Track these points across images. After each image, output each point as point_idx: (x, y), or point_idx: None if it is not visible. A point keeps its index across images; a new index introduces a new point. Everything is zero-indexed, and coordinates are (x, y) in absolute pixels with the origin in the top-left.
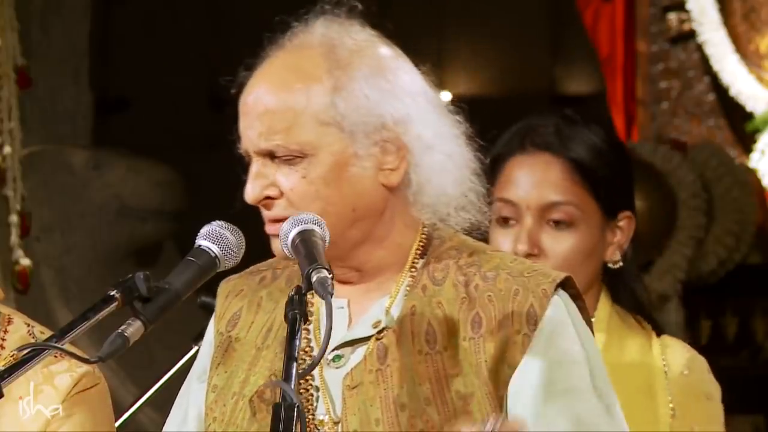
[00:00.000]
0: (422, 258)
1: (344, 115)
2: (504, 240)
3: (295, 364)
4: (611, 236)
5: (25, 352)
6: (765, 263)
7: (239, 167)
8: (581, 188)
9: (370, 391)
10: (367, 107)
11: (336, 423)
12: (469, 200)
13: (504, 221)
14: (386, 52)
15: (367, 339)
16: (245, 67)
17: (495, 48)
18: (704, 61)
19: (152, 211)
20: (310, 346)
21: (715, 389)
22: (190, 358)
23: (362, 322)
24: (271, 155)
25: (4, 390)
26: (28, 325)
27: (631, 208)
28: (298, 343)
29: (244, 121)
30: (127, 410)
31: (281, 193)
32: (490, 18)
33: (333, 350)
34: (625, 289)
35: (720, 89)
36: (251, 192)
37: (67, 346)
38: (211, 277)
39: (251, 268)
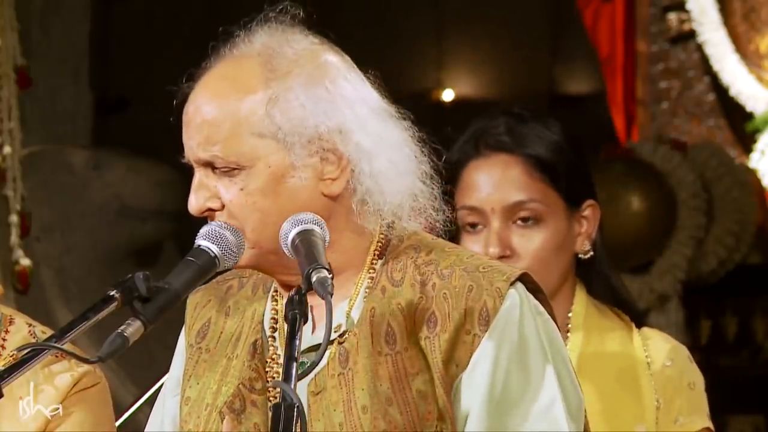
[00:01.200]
0: (380, 258)
1: (280, 126)
2: (474, 246)
3: (295, 364)
4: (578, 227)
5: (25, 352)
6: (765, 263)
7: None
8: (542, 183)
9: (333, 396)
10: (302, 117)
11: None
12: (420, 205)
13: (471, 227)
14: (328, 59)
15: (329, 343)
16: (188, 77)
17: (495, 48)
18: (704, 61)
19: (152, 211)
20: (277, 354)
21: (698, 378)
22: None
23: (322, 328)
24: (211, 166)
25: (4, 390)
26: (30, 325)
27: (593, 196)
28: (298, 343)
29: (185, 131)
30: (127, 410)
31: (222, 205)
32: (490, 18)
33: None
34: (599, 278)
35: (720, 89)
36: (194, 203)
37: (67, 346)
38: (210, 277)
39: (218, 277)
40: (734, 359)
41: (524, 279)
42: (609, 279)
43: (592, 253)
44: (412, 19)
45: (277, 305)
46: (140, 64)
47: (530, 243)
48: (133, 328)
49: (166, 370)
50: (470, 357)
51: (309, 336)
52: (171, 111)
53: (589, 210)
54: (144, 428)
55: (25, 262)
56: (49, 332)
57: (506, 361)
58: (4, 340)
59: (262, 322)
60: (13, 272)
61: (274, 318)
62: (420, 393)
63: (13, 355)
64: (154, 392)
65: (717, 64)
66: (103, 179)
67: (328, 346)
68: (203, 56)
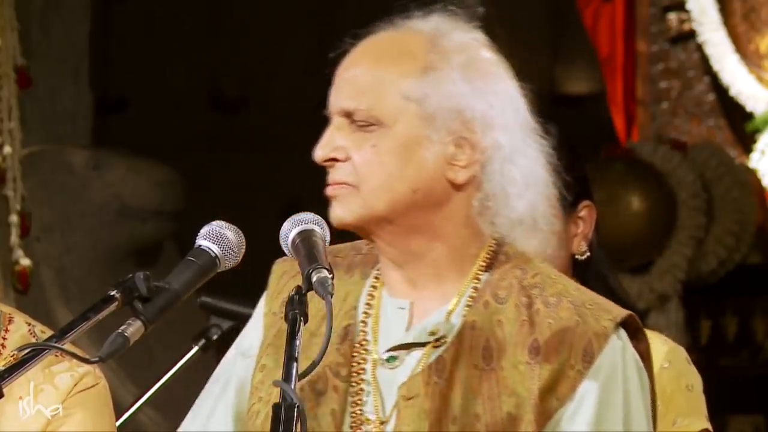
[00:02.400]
0: (486, 272)
1: (429, 95)
2: None
3: (295, 364)
4: (574, 228)
5: (26, 352)
6: (765, 263)
7: (239, 167)
8: None
9: (426, 404)
10: (452, 95)
11: (383, 423)
12: (538, 226)
13: None
14: (490, 56)
15: (423, 345)
16: (352, 36)
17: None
18: (704, 61)
19: (152, 211)
20: (366, 339)
21: (695, 379)
22: (190, 358)
23: (421, 327)
24: (349, 117)
25: (5, 390)
26: (29, 325)
27: (588, 197)
28: (298, 343)
29: (335, 82)
30: (127, 410)
31: (348, 158)
32: (490, 18)
33: (388, 350)
34: (596, 279)
35: (720, 89)
36: (320, 150)
37: (68, 346)
38: (211, 277)
39: None
40: (734, 359)
41: (629, 321)
42: (607, 279)
43: (589, 253)
44: (411, 19)
45: (375, 291)
46: (140, 64)
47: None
48: (133, 328)
49: (167, 370)
50: (572, 392)
51: (402, 332)
52: (171, 111)
53: (585, 211)
54: (144, 428)
55: (25, 262)
56: (49, 332)
57: (611, 411)
58: (4, 339)
59: (356, 308)
60: (13, 272)
61: (369, 303)
62: (510, 416)
63: (13, 355)
64: (154, 392)
65: (717, 64)
66: (103, 179)
67: (416, 348)
68: (203, 56)
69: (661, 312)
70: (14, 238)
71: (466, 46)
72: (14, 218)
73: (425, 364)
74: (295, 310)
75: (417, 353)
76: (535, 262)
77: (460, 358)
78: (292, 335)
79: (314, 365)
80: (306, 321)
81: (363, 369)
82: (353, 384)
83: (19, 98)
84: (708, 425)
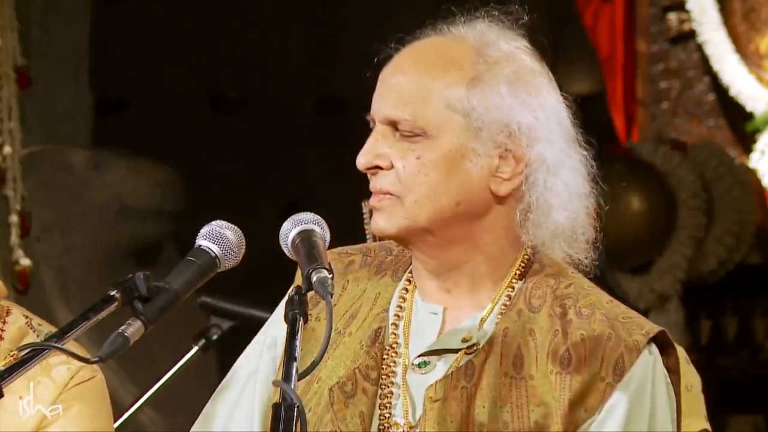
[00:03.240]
0: (521, 280)
1: (475, 107)
2: None
3: (295, 364)
4: None
5: (26, 351)
6: (765, 263)
7: (239, 167)
8: None
9: (452, 407)
10: (498, 107)
11: (411, 427)
12: (577, 238)
13: None
14: (535, 66)
15: (455, 350)
16: (396, 41)
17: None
18: (704, 61)
19: (152, 211)
20: (397, 342)
21: (694, 380)
22: (190, 358)
23: (453, 333)
24: (393, 126)
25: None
26: (26, 317)
27: None
28: (298, 343)
29: (379, 88)
30: (127, 410)
31: (391, 166)
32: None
33: (420, 356)
34: (595, 278)
35: (720, 89)
36: (363, 158)
37: (68, 346)
38: (211, 277)
39: (339, 249)
40: (734, 359)
41: (660, 337)
42: (605, 279)
43: None
44: (411, 19)
45: (406, 294)
46: (140, 64)
47: None
48: (133, 328)
49: (167, 370)
50: (600, 404)
51: (435, 338)
52: (171, 111)
53: None
54: (144, 428)
55: (25, 262)
56: (47, 325)
57: (638, 425)
58: (2, 330)
59: (387, 310)
60: (13, 272)
61: (400, 306)
62: (537, 425)
63: (13, 354)
64: (154, 392)
65: (717, 64)
66: (103, 179)
67: (448, 354)
68: (203, 56)
69: (661, 312)
70: (14, 238)
71: (513, 57)
72: (14, 218)
73: (455, 368)
74: (295, 310)
75: (449, 359)
76: (568, 272)
77: (491, 365)
78: (292, 335)
79: (314, 365)
80: (306, 321)
81: (393, 372)
82: (383, 387)
83: (19, 98)
84: (707, 425)
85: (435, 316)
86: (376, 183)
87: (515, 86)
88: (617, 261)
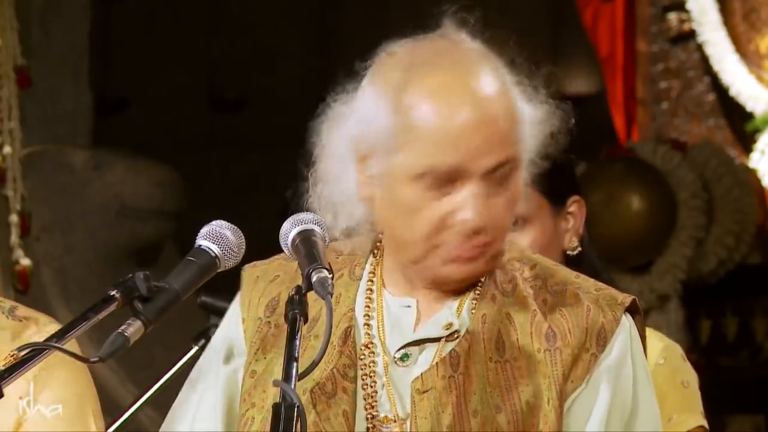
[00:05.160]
0: None
1: (520, 123)
2: None
3: (295, 364)
4: (564, 224)
5: (25, 352)
6: (765, 263)
7: (239, 167)
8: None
9: (442, 397)
10: (529, 122)
11: (401, 421)
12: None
13: None
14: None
15: (435, 340)
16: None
17: (495, 48)
18: (704, 61)
19: (152, 211)
20: (372, 342)
21: (691, 376)
22: (190, 358)
23: (431, 323)
24: (492, 172)
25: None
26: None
27: (577, 192)
28: (298, 343)
29: (464, 138)
30: (127, 410)
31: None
32: (489, 18)
33: (399, 349)
34: (589, 275)
35: (720, 89)
36: (481, 218)
37: (68, 345)
38: (211, 277)
39: (283, 255)
40: (734, 359)
41: (632, 306)
42: (599, 276)
43: (580, 248)
44: (411, 19)
45: (372, 293)
46: (140, 64)
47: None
48: (133, 328)
49: (167, 370)
50: (586, 375)
51: (411, 330)
52: (171, 111)
53: (574, 206)
54: (144, 428)
55: (25, 262)
56: (22, 308)
57: (623, 394)
58: None
59: (353, 309)
60: (13, 272)
61: (368, 305)
62: (528, 405)
63: (13, 354)
64: (154, 392)
65: (717, 64)
66: (103, 179)
67: (429, 344)
68: (203, 56)
69: (661, 312)
70: (14, 238)
71: (502, 63)
72: (14, 218)
73: (439, 358)
74: (295, 310)
75: (430, 350)
76: (527, 253)
77: (475, 352)
78: (292, 335)
79: (314, 365)
80: (306, 321)
81: (374, 371)
82: (365, 386)
83: (19, 98)
84: (704, 422)
85: (409, 309)
86: (476, 240)
87: (519, 88)
88: (617, 261)
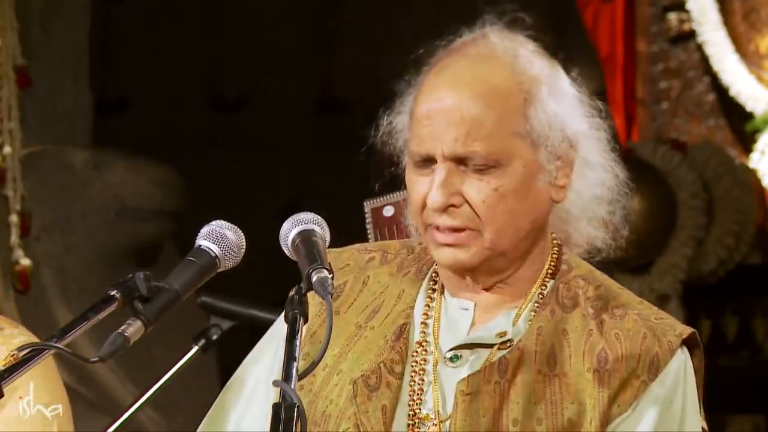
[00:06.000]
0: (552, 279)
1: (534, 125)
2: None
3: (295, 364)
4: None
5: (25, 352)
6: (765, 263)
7: (239, 167)
8: None
9: (485, 402)
10: (552, 119)
11: (442, 421)
12: (601, 239)
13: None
14: (554, 65)
15: (488, 346)
16: (414, 63)
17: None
18: (704, 61)
19: (152, 211)
20: (427, 341)
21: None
22: (190, 358)
23: (486, 329)
24: (461, 162)
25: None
26: None
27: None
28: (298, 343)
29: (431, 124)
30: (127, 410)
31: (463, 202)
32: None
33: (452, 349)
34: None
35: (720, 89)
36: (439, 198)
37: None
38: (211, 277)
39: (358, 245)
40: (734, 359)
41: (692, 339)
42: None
43: None
44: (411, 19)
45: (433, 292)
46: (140, 64)
47: None
48: (133, 328)
49: (167, 370)
50: (633, 402)
51: (465, 333)
52: (171, 111)
53: None
54: (144, 428)
55: (25, 262)
56: None
57: (669, 422)
58: None
59: (413, 307)
60: (13, 272)
61: (428, 305)
62: (570, 422)
63: (13, 354)
64: (154, 392)
65: (717, 64)
66: (103, 179)
67: (481, 349)
68: (203, 56)
69: None
70: (14, 238)
71: (540, 64)
72: (14, 218)
73: (488, 363)
74: (295, 310)
75: (481, 354)
76: (596, 273)
77: (525, 362)
78: (292, 335)
79: (314, 365)
80: (306, 321)
81: (423, 369)
82: (413, 382)
83: (19, 98)
84: (703, 423)
85: (466, 311)
86: (449, 221)
87: (557, 94)
88: (617, 261)
